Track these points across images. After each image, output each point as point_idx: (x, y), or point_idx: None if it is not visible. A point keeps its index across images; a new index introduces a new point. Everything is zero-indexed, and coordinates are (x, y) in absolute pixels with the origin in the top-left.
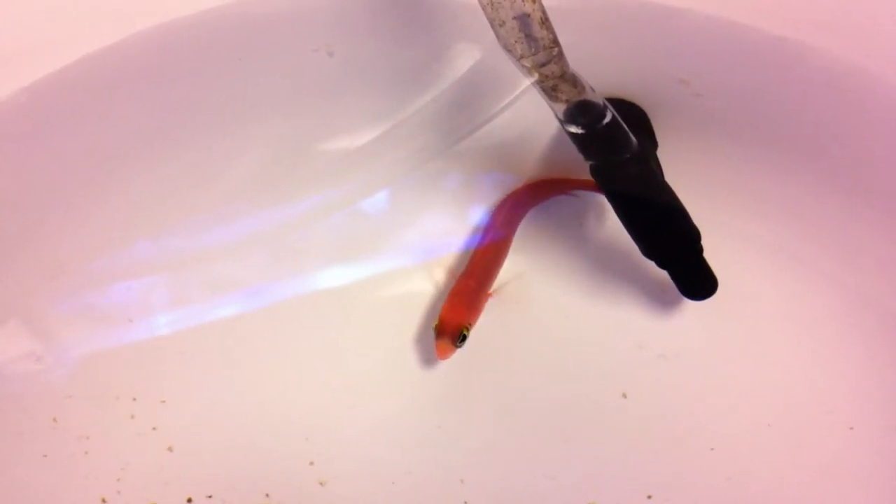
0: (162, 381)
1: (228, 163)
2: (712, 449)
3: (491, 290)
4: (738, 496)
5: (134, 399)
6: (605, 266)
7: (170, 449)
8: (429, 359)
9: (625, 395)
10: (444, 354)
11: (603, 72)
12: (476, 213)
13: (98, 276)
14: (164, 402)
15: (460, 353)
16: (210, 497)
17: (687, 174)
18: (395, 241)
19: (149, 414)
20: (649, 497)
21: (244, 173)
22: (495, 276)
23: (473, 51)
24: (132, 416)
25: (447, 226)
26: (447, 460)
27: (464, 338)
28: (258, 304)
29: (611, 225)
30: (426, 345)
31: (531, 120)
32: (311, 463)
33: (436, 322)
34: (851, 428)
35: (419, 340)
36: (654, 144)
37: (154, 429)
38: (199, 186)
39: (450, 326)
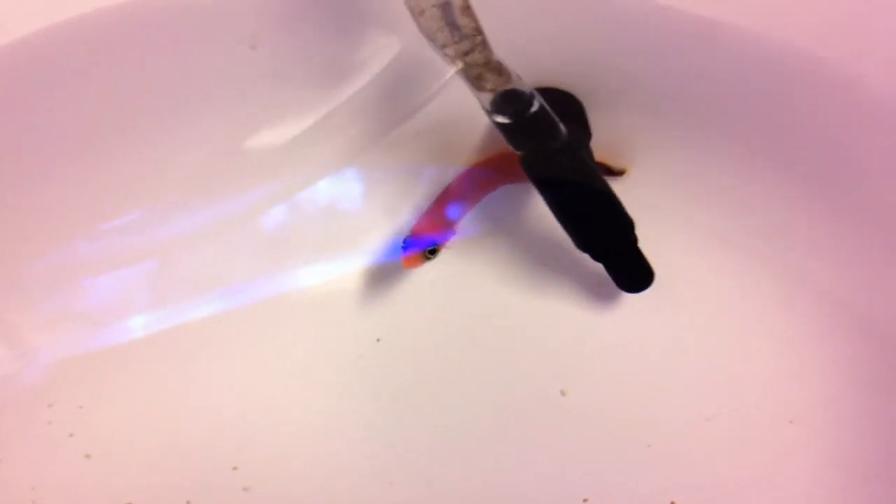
0: (79, 386)
1: (158, 163)
2: (649, 445)
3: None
4: (674, 493)
5: (50, 405)
6: (541, 259)
7: (87, 456)
8: (355, 359)
9: (563, 392)
10: (412, 264)
11: (534, 60)
12: (415, 203)
13: (18, 277)
14: (81, 407)
15: (391, 350)
16: None
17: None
18: (327, 238)
19: (65, 420)
20: (585, 501)
21: (175, 173)
22: (472, 206)
23: (397, 39)
24: (49, 423)
25: (381, 219)
26: (375, 463)
27: (434, 251)
28: (178, 308)
29: (548, 217)
30: (349, 345)
31: (468, 106)
32: (235, 468)
33: (408, 234)
34: (791, 421)
35: (342, 341)
36: (588, 134)
37: (70, 435)
38: (128, 188)
39: (421, 238)
